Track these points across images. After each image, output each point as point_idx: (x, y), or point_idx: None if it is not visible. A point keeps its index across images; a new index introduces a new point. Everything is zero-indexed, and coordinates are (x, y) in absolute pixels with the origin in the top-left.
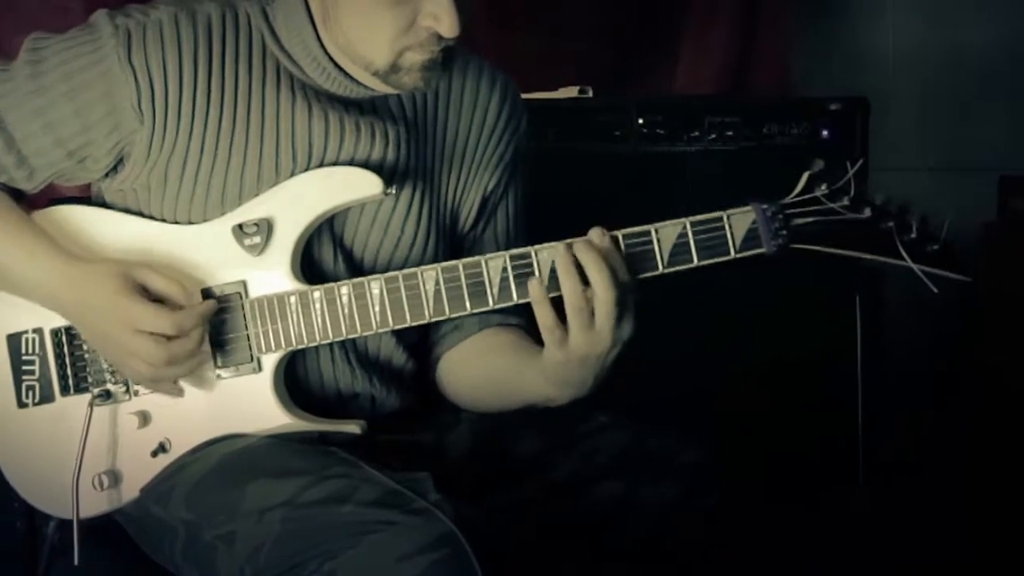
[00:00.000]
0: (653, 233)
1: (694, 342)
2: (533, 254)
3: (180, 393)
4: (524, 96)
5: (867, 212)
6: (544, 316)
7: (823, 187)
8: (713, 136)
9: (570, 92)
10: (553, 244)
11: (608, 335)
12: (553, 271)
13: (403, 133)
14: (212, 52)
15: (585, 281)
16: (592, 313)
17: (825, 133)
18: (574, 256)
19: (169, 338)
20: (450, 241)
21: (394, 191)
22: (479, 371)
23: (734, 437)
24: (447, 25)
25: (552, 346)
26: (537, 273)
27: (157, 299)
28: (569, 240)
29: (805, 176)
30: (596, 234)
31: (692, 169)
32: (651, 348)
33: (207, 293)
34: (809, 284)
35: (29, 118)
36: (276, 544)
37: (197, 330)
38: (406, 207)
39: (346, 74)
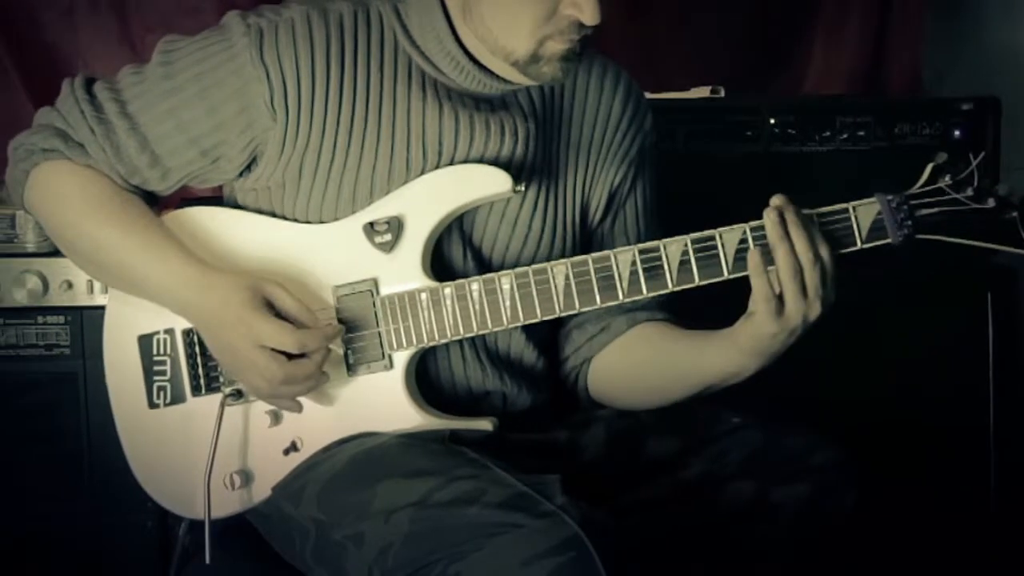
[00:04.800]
0: None
1: (823, 345)
2: (662, 247)
3: (298, 409)
4: (656, 96)
5: (991, 202)
6: (762, 286)
7: (947, 178)
8: (845, 136)
9: (701, 92)
10: (680, 237)
11: (818, 301)
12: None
13: (532, 129)
14: (344, 50)
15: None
16: (804, 281)
17: (957, 133)
18: (783, 225)
19: (291, 357)
20: (579, 237)
21: (523, 188)
22: (645, 363)
23: (862, 441)
24: (589, 13)
25: (767, 315)
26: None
27: (284, 317)
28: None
29: (929, 167)
30: (779, 200)
31: (824, 169)
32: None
33: (338, 291)
34: (940, 281)
35: (163, 118)
36: (403, 545)
37: (319, 352)
38: (533, 203)
39: (481, 68)
